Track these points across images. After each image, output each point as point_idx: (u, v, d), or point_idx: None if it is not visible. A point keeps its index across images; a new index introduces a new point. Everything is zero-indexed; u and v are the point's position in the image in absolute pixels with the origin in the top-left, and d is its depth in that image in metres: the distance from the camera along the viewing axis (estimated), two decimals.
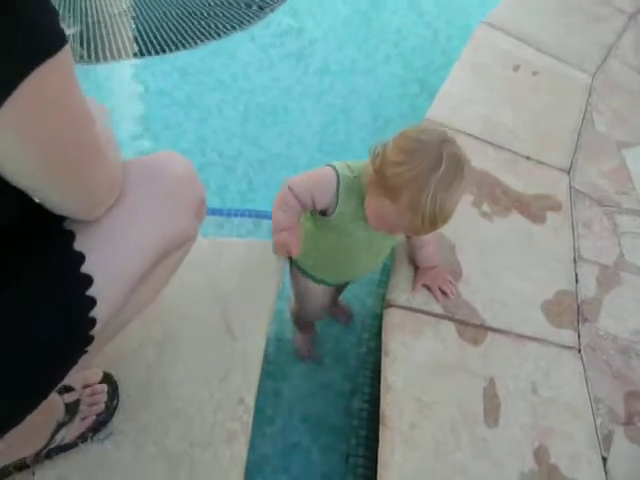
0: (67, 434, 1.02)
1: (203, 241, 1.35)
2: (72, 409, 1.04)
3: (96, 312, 0.76)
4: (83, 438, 1.04)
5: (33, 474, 1.00)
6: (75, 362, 0.80)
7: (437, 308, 1.36)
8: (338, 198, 1.16)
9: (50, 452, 1.01)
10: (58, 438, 1.01)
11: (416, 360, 1.27)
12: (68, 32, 2.30)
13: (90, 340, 0.78)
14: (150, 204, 0.83)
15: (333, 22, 2.81)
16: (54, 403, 1.02)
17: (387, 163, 1.03)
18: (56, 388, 0.82)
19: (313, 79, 2.49)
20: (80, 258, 0.75)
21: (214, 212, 1.82)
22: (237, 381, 1.16)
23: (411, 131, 1.06)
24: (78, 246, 0.75)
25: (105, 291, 0.77)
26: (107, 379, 1.10)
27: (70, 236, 0.75)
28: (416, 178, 0.99)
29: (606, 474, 1.22)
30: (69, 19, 2.56)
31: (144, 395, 1.11)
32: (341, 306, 1.67)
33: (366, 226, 1.17)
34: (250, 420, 1.13)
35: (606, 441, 1.27)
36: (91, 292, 0.75)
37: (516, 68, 2.09)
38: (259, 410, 1.33)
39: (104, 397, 1.08)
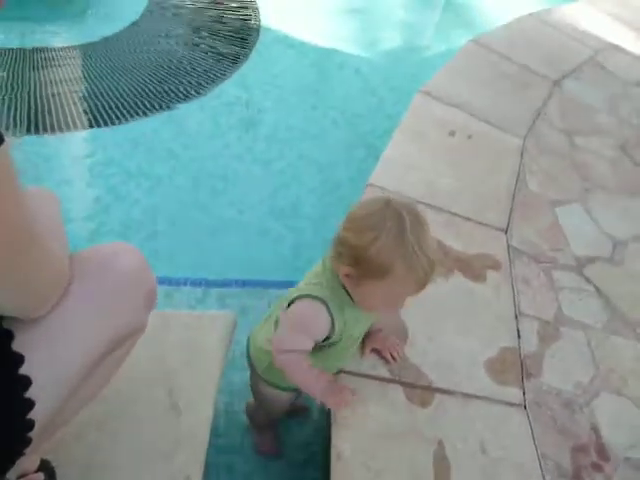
0: None
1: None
2: None
3: (34, 414, 0.74)
4: None
5: None
6: (13, 464, 0.77)
7: (384, 372, 1.37)
8: (333, 319, 1.12)
9: None
10: None
11: (365, 426, 1.27)
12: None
13: (28, 442, 0.76)
14: (97, 301, 0.83)
15: (281, 93, 2.92)
16: None
17: (360, 249, 1.02)
18: None
19: (262, 146, 2.56)
20: (19, 359, 0.73)
21: (163, 281, 1.81)
22: (183, 459, 1.13)
23: (355, 213, 1.08)
24: (17, 346, 0.74)
25: (45, 392, 0.75)
26: (44, 466, 1.06)
27: (8, 336, 0.74)
28: (395, 240, 1.01)
29: None
30: (16, 99, 2.58)
31: None
32: (298, 405, 1.55)
33: (360, 316, 1.17)
34: None
35: None
36: (29, 394, 0.74)
37: (452, 133, 2.22)
38: None
39: None
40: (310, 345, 1.13)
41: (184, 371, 1.25)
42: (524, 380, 1.48)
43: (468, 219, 1.87)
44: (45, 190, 0.97)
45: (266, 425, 1.51)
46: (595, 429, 1.45)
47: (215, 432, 1.32)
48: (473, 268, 1.70)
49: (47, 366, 0.75)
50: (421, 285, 1.07)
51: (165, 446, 1.14)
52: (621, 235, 2.06)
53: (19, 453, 0.77)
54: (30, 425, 0.75)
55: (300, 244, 2.15)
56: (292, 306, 1.13)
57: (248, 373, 1.38)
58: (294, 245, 2.15)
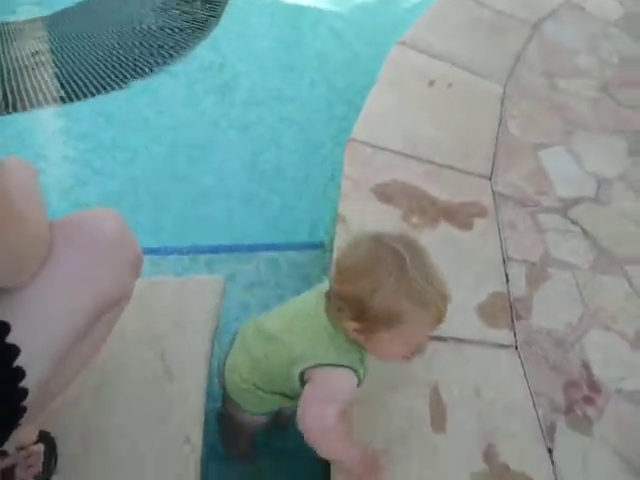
0: None
1: (137, 283, 1.33)
2: (8, 475, 1.00)
3: (27, 382, 0.74)
4: None
5: None
6: (9, 434, 0.77)
7: None
8: (359, 377, 1.05)
9: None
10: None
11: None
12: None
13: (23, 411, 0.76)
14: (79, 267, 0.82)
15: (255, 54, 2.85)
16: None
17: (361, 301, 0.93)
18: None
19: (240, 111, 2.51)
20: (5, 328, 0.73)
21: (148, 252, 1.79)
22: (180, 421, 1.14)
23: (345, 261, 0.99)
24: (1, 316, 0.73)
25: (35, 360, 0.75)
26: (43, 438, 1.06)
27: None
28: (398, 281, 0.92)
29: (553, 464, 1.25)
30: None
31: (84, 449, 1.08)
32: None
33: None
34: (198, 459, 1.11)
35: (550, 433, 1.31)
36: (19, 362, 0.73)
37: (431, 83, 2.18)
38: (212, 447, 1.31)
39: (41, 457, 1.04)
40: (340, 410, 1.03)
41: (175, 335, 1.25)
42: (514, 322, 1.50)
43: (451, 168, 1.85)
44: (21, 160, 0.95)
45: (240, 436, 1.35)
46: (586, 365, 1.47)
47: (211, 397, 1.32)
48: (459, 216, 1.70)
49: (34, 334, 0.75)
50: (437, 321, 0.98)
51: (161, 410, 1.15)
52: (606, 175, 2.06)
53: (14, 423, 0.77)
54: (24, 394, 0.75)
55: (285, 206, 2.13)
56: (315, 385, 1.02)
57: None
58: (279, 207, 2.13)
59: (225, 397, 1.22)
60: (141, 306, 1.27)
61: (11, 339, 0.72)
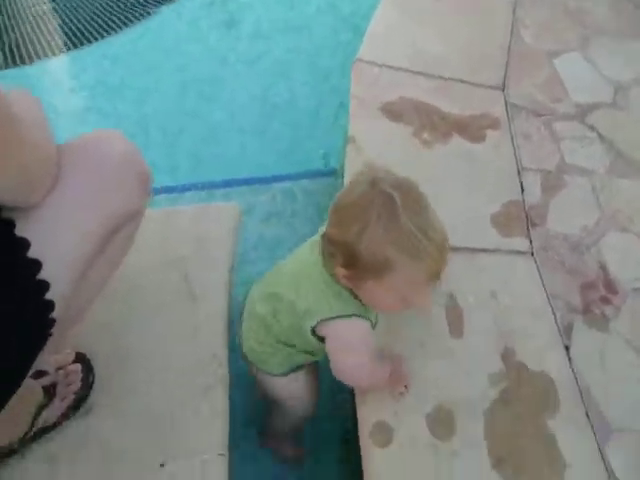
0: (49, 416, 1.05)
1: (154, 213, 1.36)
2: (50, 391, 1.07)
3: (52, 294, 0.78)
4: (66, 417, 1.08)
5: (22, 457, 1.03)
6: (41, 347, 0.81)
7: None
8: (372, 322, 1.04)
9: (35, 435, 1.04)
10: (40, 421, 1.04)
11: None
12: None
13: (51, 323, 0.80)
14: (85, 194, 0.85)
15: None
16: (31, 388, 1.04)
17: (348, 245, 0.89)
18: (29, 374, 0.84)
19: (246, 44, 2.47)
20: (25, 243, 0.76)
21: (166, 190, 1.83)
22: (206, 339, 1.20)
23: (338, 203, 0.94)
24: (20, 232, 0.76)
25: (57, 272, 0.78)
26: (80, 359, 1.13)
27: (9, 223, 0.77)
28: (387, 228, 0.87)
29: (570, 361, 1.28)
30: None
31: (118, 367, 1.15)
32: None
33: None
34: (226, 372, 1.17)
35: (567, 332, 1.34)
36: (42, 275, 0.77)
37: None
38: (238, 367, 1.37)
39: (79, 375, 1.11)
40: (370, 351, 1.04)
41: (196, 259, 1.29)
42: (530, 230, 1.50)
43: (462, 81, 1.81)
44: (22, 90, 0.96)
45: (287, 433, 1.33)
46: (603, 267, 1.47)
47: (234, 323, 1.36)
48: (471, 129, 1.67)
49: (53, 247, 0.78)
50: (433, 274, 0.93)
51: (188, 330, 1.20)
52: (623, 80, 1.98)
53: (46, 334, 0.81)
54: (51, 306, 0.78)
55: (298, 137, 2.12)
56: (330, 338, 1.01)
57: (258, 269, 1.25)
58: (292, 139, 2.12)
59: (259, 381, 1.21)
60: (160, 233, 1.31)
61: (32, 254, 0.76)
